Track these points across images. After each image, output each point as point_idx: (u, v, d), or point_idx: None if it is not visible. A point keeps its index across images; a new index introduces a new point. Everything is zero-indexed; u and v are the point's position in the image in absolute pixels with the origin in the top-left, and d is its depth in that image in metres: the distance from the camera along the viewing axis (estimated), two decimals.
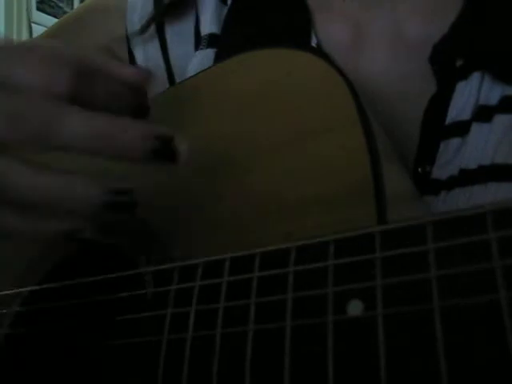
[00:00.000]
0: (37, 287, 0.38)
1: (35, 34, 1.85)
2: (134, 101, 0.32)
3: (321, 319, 0.26)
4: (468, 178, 0.37)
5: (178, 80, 0.45)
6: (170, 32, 0.46)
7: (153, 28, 0.46)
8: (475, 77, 0.37)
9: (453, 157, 0.37)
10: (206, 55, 0.44)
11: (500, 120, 0.36)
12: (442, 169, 0.38)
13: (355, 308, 0.25)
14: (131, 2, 0.47)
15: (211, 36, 0.44)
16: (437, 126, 0.38)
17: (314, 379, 0.25)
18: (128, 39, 0.47)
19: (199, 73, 0.40)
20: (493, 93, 0.37)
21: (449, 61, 0.38)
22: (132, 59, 0.47)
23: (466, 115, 0.37)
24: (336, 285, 0.26)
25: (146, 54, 0.46)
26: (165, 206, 0.36)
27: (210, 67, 0.40)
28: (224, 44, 0.43)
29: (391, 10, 0.40)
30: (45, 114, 0.27)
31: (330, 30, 0.41)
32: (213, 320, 0.29)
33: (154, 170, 0.31)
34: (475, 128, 0.37)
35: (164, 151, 0.29)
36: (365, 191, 0.29)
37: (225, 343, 0.28)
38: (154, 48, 0.46)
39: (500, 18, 0.37)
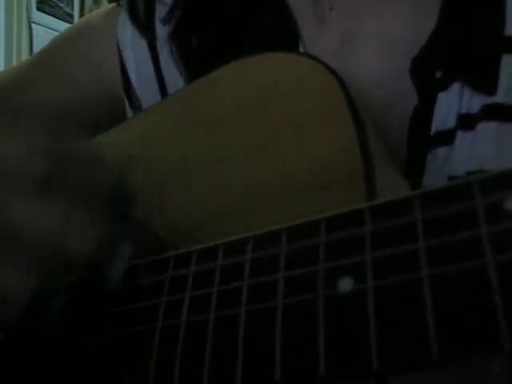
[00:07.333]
0: None
1: (35, 34, 1.84)
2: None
3: (311, 296, 0.26)
4: None
5: (170, 91, 0.46)
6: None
7: (144, 40, 0.47)
8: (455, 87, 0.37)
9: (442, 166, 0.38)
10: None
11: (484, 127, 0.36)
12: (432, 178, 0.38)
13: (346, 284, 0.25)
14: (121, 18, 0.48)
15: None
16: (423, 137, 0.38)
17: (304, 355, 0.25)
18: (120, 52, 0.48)
19: (192, 83, 0.41)
20: (473, 102, 0.37)
21: (428, 72, 0.38)
22: (124, 71, 0.47)
23: (449, 124, 0.38)
24: (327, 262, 0.26)
25: (138, 65, 0.47)
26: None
27: (202, 77, 0.40)
28: (211, 58, 0.43)
29: (377, 16, 0.40)
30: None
31: (317, 40, 0.42)
32: (206, 304, 0.29)
33: None
34: (460, 136, 0.37)
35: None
36: (355, 177, 0.30)
37: (218, 326, 0.28)
38: (146, 60, 0.47)
39: (474, 29, 0.37)
